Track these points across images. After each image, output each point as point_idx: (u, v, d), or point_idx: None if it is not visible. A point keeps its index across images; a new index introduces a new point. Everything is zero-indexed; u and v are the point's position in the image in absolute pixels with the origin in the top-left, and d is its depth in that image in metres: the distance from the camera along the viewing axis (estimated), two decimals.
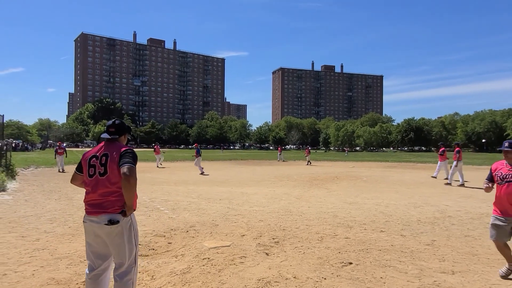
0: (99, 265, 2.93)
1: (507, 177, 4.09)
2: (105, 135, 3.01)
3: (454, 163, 13.93)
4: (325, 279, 3.92)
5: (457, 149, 14.26)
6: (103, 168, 2.83)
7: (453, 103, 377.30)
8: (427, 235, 5.96)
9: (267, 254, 4.86)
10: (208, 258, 4.62)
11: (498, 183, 4.20)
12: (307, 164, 29.12)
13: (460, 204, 9.28)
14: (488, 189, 4.28)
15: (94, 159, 2.90)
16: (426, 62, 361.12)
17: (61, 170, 18.92)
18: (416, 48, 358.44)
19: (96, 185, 2.83)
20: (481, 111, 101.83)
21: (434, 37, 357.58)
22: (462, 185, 13.50)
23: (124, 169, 2.72)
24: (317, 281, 3.86)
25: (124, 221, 2.84)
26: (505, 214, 4.11)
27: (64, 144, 26.37)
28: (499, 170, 4.22)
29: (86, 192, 2.91)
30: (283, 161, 35.04)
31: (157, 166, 23.77)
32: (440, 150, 16.10)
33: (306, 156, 30.84)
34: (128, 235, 2.87)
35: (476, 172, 21.21)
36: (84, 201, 2.92)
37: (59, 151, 20.10)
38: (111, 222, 2.76)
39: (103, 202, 2.81)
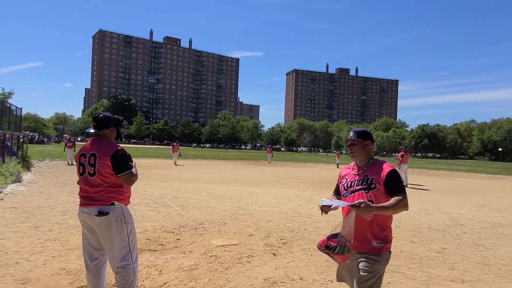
0: (96, 258, 2.96)
1: (353, 185, 2.50)
2: (89, 130, 3.00)
3: (397, 166, 14.76)
4: (331, 281, 3.91)
5: (401, 153, 16.17)
6: (92, 168, 2.84)
7: (470, 110, 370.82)
8: (438, 243, 5.87)
9: (274, 254, 4.86)
10: (216, 256, 4.65)
11: (343, 196, 2.57)
12: (269, 162, 31.38)
13: (472, 212, 9.11)
14: (325, 209, 2.34)
15: (82, 157, 2.90)
16: (443, 67, 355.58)
17: (70, 163, 19.50)
18: (433, 53, 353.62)
19: (86, 182, 2.88)
20: (499, 119, 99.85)
21: (452, 42, 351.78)
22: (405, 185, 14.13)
23: (126, 179, 2.84)
24: (323, 284, 3.85)
25: (115, 213, 2.85)
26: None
27: (74, 138, 27.04)
28: (344, 176, 2.63)
29: (79, 186, 2.97)
30: (269, 162, 32.61)
31: (175, 164, 23.94)
32: (399, 154, 16.85)
33: (268, 154, 33.43)
34: (119, 228, 2.86)
35: (489, 181, 20.80)
36: (78, 194, 2.97)
37: (68, 144, 20.86)
38: (101, 213, 2.79)
39: (93, 195, 2.85)
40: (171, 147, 26.14)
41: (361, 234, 2.35)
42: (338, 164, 31.06)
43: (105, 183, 2.83)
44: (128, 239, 2.91)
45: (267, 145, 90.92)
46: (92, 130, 2.96)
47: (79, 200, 2.96)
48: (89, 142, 2.96)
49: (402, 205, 2.27)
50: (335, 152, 37.72)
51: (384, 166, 2.41)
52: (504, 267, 4.71)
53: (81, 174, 2.92)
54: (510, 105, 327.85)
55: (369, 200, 2.24)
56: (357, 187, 2.42)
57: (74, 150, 20.45)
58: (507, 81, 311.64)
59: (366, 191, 2.37)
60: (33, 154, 20.71)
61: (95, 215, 2.80)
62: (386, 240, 2.42)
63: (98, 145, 2.89)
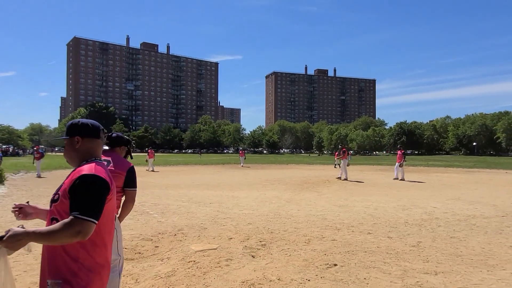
0: None
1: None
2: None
3: (342, 161, 17.72)
4: (309, 280, 3.95)
5: (343, 149, 18.16)
6: None
7: (445, 106, 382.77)
8: (413, 237, 6.02)
9: (253, 256, 4.87)
10: (194, 261, 4.62)
11: None
12: (242, 166, 30.83)
13: (447, 206, 9.38)
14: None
15: None
16: (419, 66, 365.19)
17: (39, 176, 18.03)
18: (408, 52, 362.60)
19: None
20: (472, 114, 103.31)
21: (427, 41, 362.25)
22: (345, 179, 17.09)
23: (133, 196, 3.06)
24: (300, 283, 3.88)
25: None
26: None
27: (42, 149, 25.91)
28: None
29: None
30: (242, 165, 31.45)
31: (151, 170, 23.67)
32: (342, 151, 18.37)
33: (240, 157, 32.90)
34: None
35: (464, 175, 21.47)
36: None
37: (35, 156, 19.17)
38: None
39: None
40: (146, 154, 25.77)
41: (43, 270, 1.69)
42: (336, 165, 30.17)
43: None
44: None
45: (240, 148, 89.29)
46: (105, 147, 3.04)
47: None
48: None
49: (67, 232, 1.49)
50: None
51: (78, 170, 1.70)
52: (475, 257, 4.86)
53: None
54: (482, 100, 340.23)
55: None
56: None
57: (41, 161, 19.70)
58: (479, 78, 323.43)
59: (51, 205, 1.71)
60: (6, 167, 20.03)
61: None
62: (69, 280, 1.58)
63: (112, 157, 2.95)
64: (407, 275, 4.15)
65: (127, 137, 3.23)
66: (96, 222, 1.59)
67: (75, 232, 1.51)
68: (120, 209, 2.99)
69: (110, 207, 1.73)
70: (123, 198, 3.04)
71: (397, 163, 17.84)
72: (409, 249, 5.28)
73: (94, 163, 1.73)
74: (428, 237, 6.00)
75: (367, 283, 3.89)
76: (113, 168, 2.86)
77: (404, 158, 17.71)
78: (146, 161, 24.54)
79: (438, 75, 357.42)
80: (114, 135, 3.16)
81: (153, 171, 23.53)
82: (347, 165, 18.00)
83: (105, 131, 1.90)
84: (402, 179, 17.14)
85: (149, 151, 25.38)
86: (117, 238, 2.95)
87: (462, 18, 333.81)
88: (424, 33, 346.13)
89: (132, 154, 3.38)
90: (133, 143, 3.38)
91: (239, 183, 15.94)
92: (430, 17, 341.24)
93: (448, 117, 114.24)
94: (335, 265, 4.49)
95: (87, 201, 1.58)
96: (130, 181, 2.94)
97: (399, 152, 18.28)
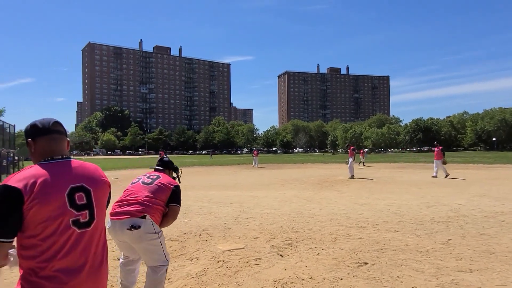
0: (128, 256, 3.26)
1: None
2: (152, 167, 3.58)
3: (350, 159, 17.79)
4: (341, 279, 3.91)
5: (351, 147, 18.51)
6: (150, 180, 3.34)
7: (462, 102, 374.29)
8: (442, 234, 5.90)
9: (281, 255, 4.85)
10: (223, 261, 4.64)
11: None
12: (255, 166, 30.34)
13: (473, 203, 9.17)
14: None
15: (144, 176, 3.40)
16: (434, 61, 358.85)
17: None
18: (423, 48, 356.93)
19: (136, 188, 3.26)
20: (491, 109, 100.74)
21: (441, 37, 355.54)
22: (352, 177, 17.15)
23: (176, 211, 3.27)
24: (333, 282, 3.84)
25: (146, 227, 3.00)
26: None
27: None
28: None
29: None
30: (256, 166, 30.46)
31: None
32: (350, 148, 18.68)
33: (254, 157, 32.01)
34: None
35: (485, 171, 20.96)
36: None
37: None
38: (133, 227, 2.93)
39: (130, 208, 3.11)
40: (159, 156, 25.96)
41: None
42: (363, 162, 29.52)
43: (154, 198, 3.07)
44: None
45: (254, 148, 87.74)
46: (158, 167, 3.50)
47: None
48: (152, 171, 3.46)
49: None
50: (358, 151, 36.05)
51: None
52: (510, 254, 4.73)
53: (132, 183, 3.25)
54: (499, 95, 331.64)
55: None
56: None
57: None
58: (496, 72, 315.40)
59: None
60: None
61: (127, 229, 2.93)
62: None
63: (162, 173, 3.36)
64: (441, 273, 4.06)
65: (176, 165, 3.65)
66: (5, 240, 1.50)
67: None
68: (161, 220, 3.15)
69: (40, 215, 1.54)
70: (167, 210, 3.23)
71: (436, 160, 17.29)
72: (439, 246, 5.18)
73: (28, 168, 1.62)
74: (458, 235, 5.87)
75: (401, 282, 3.82)
76: (162, 182, 3.16)
77: (443, 154, 17.34)
78: None
79: (453, 71, 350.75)
80: (166, 159, 3.58)
81: None
82: (358, 164, 18.11)
83: (59, 122, 1.77)
84: (447, 175, 16.50)
85: (160, 152, 25.62)
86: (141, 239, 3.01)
87: (476, 11, 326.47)
88: (437, 29, 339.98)
89: (147, 156, 3.64)
90: (181, 170, 3.78)
91: (257, 183, 15.94)
92: (443, 12, 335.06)
93: (465, 112, 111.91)
94: (366, 263, 4.43)
95: None
96: (175, 197, 3.16)
97: (436, 148, 17.74)
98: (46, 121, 1.74)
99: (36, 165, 1.65)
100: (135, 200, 2.99)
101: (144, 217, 2.92)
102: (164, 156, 3.63)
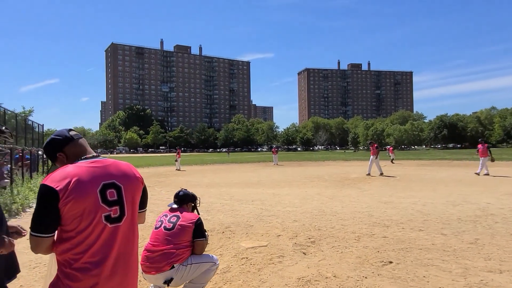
0: None
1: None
2: (171, 205, 3.47)
3: (372, 157, 17.56)
4: (366, 278, 3.89)
5: (375, 145, 18.06)
6: (171, 224, 3.30)
7: (489, 97, 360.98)
8: (470, 234, 5.75)
9: (304, 253, 4.86)
10: (247, 258, 4.69)
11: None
12: (275, 164, 29.83)
13: (502, 201, 8.87)
14: None
15: (164, 217, 3.39)
16: (459, 55, 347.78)
17: None
18: (447, 42, 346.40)
19: (158, 237, 3.34)
20: None
21: (466, 30, 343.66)
22: (368, 174, 17.18)
23: (202, 245, 3.36)
24: (358, 280, 3.83)
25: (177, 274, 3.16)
26: None
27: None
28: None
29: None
30: (276, 164, 30.16)
31: (177, 169, 24.29)
32: (484, 146, 16.88)
33: (274, 155, 31.30)
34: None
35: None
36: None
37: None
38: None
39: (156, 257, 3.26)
40: (176, 153, 26.28)
41: None
42: (392, 159, 29.13)
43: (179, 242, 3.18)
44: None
45: (273, 146, 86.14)
46: (174, 206, 3.43)
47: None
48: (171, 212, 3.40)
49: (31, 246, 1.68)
50: (387, 148, 35.68)
51: None
52: None
53: (156, 227, 3.28)
54: None
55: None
56: None
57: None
58: None
59: None
60: None
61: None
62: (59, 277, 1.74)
63: (180, 212, 3.34)
64: (469, 273, 3.97)
65: (192, 193, 3.56)
66: (45, 236, 1.63)
67: (31, 248, 1.66)
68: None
69: (75, 210, 1.63)
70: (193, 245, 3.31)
71: (482, 158, 16.54)
72: (466, 246, 5.06)
73: (64, 167, 1.72)
74: (486, 234, 5.71)
75: (428, 281, 3.77)
76: (183, 223, 3.20)
77: (490, 152, 16.53)
78: (176, 161, 25.12)
79: (480, 65, 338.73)
80: (181, 193, 3.47)
81: (179, 170, 24.09)
82: (391, 161, 17.88)
83: (71, 129, 1.89)
84: (487, 174, 15.93)
85: (178, 150, 25.94)
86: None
87: (501, 4, 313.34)
88: (461, 22, 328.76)
89: (169, 154, 3.63)
90: (199, 198, 3.67)
91: (278, 180, 15.95)
92: (467, 4, 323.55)
93: (493, 108, 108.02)
94: (391, 262, 4.39)
95: (33, 215, 1.65)
96: (198, 233, 3.23)
97: (481, 146, 16.88)
98: (62, 132, 1.85)
99: (70, 164, 1.75)
100: (162, 252, 3.10)
101: (172, 267, 3.07)
102: (180, 191, 3.51)
